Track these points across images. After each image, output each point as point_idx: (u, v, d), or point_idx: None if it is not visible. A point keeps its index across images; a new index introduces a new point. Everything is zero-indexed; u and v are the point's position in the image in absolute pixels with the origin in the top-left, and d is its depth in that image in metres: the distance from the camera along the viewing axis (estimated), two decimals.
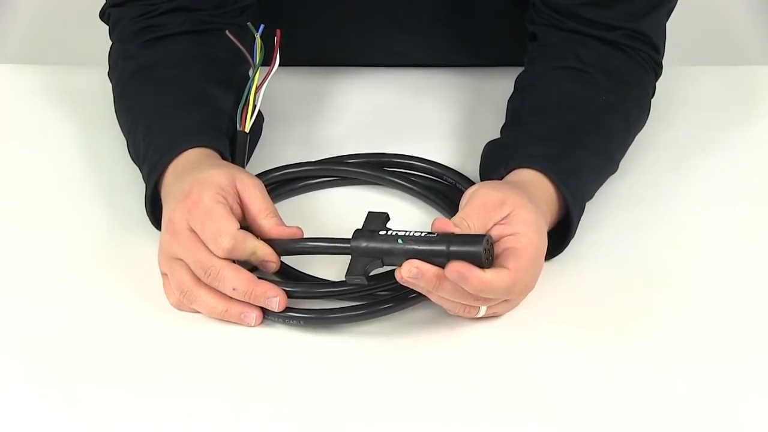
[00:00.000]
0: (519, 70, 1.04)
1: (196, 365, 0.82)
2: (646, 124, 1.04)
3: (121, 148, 1.01)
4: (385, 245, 0.79)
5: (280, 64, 0.96)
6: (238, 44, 0.94)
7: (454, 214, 0.84)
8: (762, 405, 0.79)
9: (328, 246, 0.84)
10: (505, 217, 0.83)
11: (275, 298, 0.83)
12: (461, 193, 0.88)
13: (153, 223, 0.92)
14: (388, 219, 0.82)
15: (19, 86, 1.12)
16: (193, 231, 0.84)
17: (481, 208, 0.83)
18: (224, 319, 0.85)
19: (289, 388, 0.81)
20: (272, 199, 0.89)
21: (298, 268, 0.88)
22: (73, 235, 0.94)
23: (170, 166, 0.90)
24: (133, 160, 0.97)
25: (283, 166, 0.98)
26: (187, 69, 0.98)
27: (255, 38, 0.94)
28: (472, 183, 0.94)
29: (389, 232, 0.80)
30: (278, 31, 0.94)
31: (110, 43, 1.04)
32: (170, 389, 0.80)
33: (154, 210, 0.91)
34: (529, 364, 0.82)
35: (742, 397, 0.80)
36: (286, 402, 0.79)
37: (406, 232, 0.80)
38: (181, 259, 0.85)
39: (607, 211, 0.97)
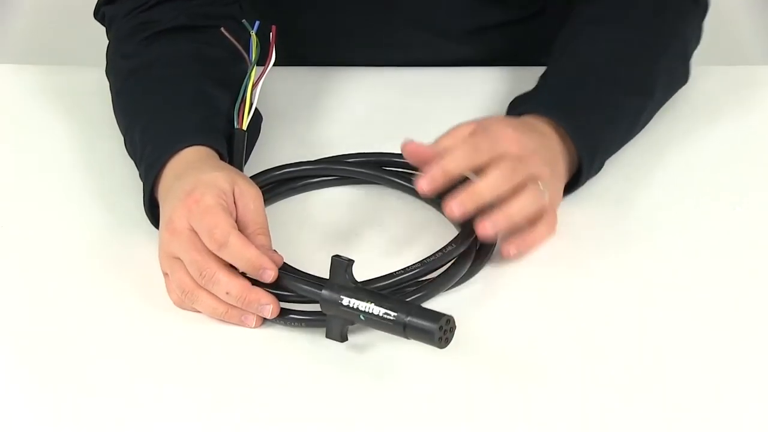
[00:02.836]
0: (524, 69, 1.04)
1: (197, 365, 0.82)
2: (646, 124, 1.04)
3: (120, 148, 1.01)
4: (348, 317, 0.81)
5: (278, 63, 0.96)
6: (234, 41, 0.94)
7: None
8: (762, 405, 0.79)
9: (303, 288, 0.83)
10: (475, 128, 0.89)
11: (268, 306, 0.82)
12: None
13: (151, 221, 0.92)
14: (352, 263, 0.81)
15: (19, 86, 1.12)
16: (193, 230, 0.84)
17: (455, 131, 0.90)
18: (224, 319, 0.84)
19: (289, 388, 0.80)
20: (271, 198, 0.89)
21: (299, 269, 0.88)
22: (73, 234, 0.94)
23: (169, 164, 0.90)
24: (130, 157, 0.97)
25: (282, 166, 0.97)
26: (184, 68, 0.99)
27: (250, 35, 0.94)
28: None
29: (350, 303, 0.80)
30: (273, 27, 0.94)
31: (108, 42, 1.04)
32: (171, 389, 0.80)
33: (152, 208, 0.91)
34: (529, 363, 0.82)
35: (742, 397, 0.80)
36: (286, 402, 0.79)
37: (370, 287, 0.81)
38: (180, 259, 0.85)
39: (606, 210, 0.97)
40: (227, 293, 0.82)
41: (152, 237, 0.92)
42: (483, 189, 0.85)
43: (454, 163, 0.86)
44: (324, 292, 0.81)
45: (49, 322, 0.86)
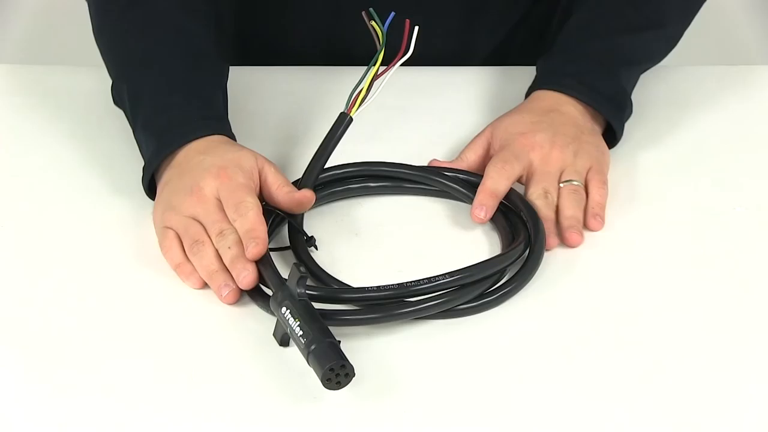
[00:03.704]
0: (524, 69, 1.04)
1: (201, 363, 0.82)
2: (646, 124, 1.04)
3: (121, 148, 1.01)
4: (284, 329, 0.82)
5: (267, 60, 0.94)
6: None
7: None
8: (762, 405, 0.79)
9: (268, 277, 0.86)
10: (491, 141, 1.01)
11: (250, 274, 0.87)
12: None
13: (146, 187, 0.96)
14: (306, 278, 0.82)
15: (19, 86, 1.12)
16: (219, 200, 0.91)
17: (473, 145, 1.02)
18: (208, 282, 0.88)
19: (289, 388, 0.80)
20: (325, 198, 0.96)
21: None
22: (73, 234, 0.94)
23: (190, 145, 0.95)
24: (116, 102, 1.01)
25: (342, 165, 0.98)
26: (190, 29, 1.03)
27: (375, 24, 0.93)
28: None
29: (285, 314, 0.81)
30: (407, 21, 0.92)
31: None
32: (170, 388, 0.80)
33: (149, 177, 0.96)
34: (529, 364, 0.82)
35: (742, 397, 0.80)
36: (286, 402, 0.79)
37: (304, 306, 0.81)
38: (197, 220, 0.90)
39: (606, 210, 0.97)
40: (229, 247, 0.88)
41: (153, 235, 0.92)
42: (548, 215, 0.95)
43: (495, 183, 0.96)
44: (276, 292, 0.83)
45: (49, 322, 0.86)
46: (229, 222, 0.90)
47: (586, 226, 0.96)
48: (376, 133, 1.04)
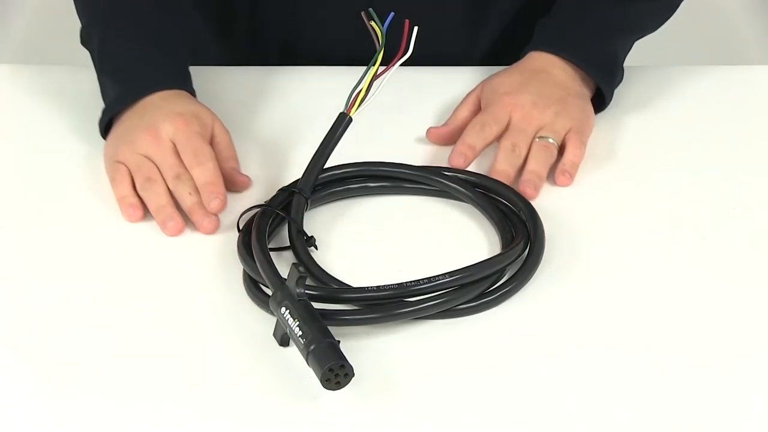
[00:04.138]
0: None
1: (201, 363, 0.82)
2: (644, 124, 1.04)
3: None
4: (283, 326, 0.81)
5: (281, 63, 0.95)
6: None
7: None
8: (762, 405, 0.79)
9: (266, 274, 0.85)
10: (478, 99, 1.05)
11: (207, 219, 0.92)
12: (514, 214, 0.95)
13: (103, 128, 1.01)
14: (305, 278, 0.82)
15: (19, 86, 1.12)
16: (174, 145, 0.95)
17: (465, 101, 1.06)
18: (155, 214, 0.93)
19: (289, 388, 0.81)
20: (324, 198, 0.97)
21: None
22: (73, 234, 0.94)
23: (154, 94, 1.00)
24: (83, 40, 1.05)
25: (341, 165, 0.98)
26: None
27: (374, 24, 0.92)
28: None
29: (284, 314, 0.81)
30: (407, 21, 0.92)
31: None
32: (173, 388, 0.80)
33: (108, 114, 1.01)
34: (528, 363, 0.82)
35: (742, 398, 0.80)
36: (286, 402, 0.80)
37: (302, 307, 0.81)
38: (151, 160, 0.95)
39: (606, 210, 0.97)
40: (189, 193, 0.93)
41: (153, 237, 0.92)
42: (506, 169, 0.98)
43: (472, 139, 1.00)
44: (275, 292, 0.82)
45: (49, 322, 0.86)
46: (185, 168, 0.94)
47: (554, 181, 0.99)
48: (376, 133, 1.04)
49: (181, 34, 1.06)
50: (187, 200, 0.93)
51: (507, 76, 1.06)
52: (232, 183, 0.97)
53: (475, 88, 1.06)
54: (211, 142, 0.98)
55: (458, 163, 0.99)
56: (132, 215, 0.94)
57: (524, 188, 0.97)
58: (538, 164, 0.99)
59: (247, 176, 0.98)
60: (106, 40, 1.04)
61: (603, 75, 1.06)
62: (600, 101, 1.07)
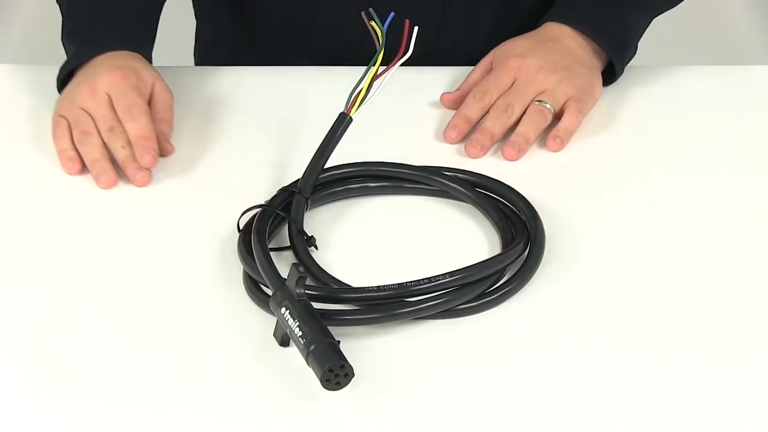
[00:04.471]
0: None
1: (201, 363, 0.82)
2: (645, 124, 1.04)
3: None
4: (283, 326, 0.81)
5: (281, 63, 0.95)
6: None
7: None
8: (762, 405, 0.79)
9: (266, 273, 0.85)
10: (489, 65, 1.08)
11: (141, 173, 0.95)
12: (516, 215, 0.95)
13: (58, 82, 1.04)
14: (305, 278, 0.82)
15: (19, 86, 1.12)
16: (110, 98, 0.98)
17: (479, 65, 1.09)
18: (90, 167, 0.97)
19: (289, 388, 0.81)
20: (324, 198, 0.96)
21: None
22: (73, 234, 0.94)
23: (108, 53, 1.02)
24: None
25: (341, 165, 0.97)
26: None
27: (374, 24, 0.92)
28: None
29: (284, 314, 0.80)
30: (407, 21, 0.92)
31: None
32: (173, 388, 0.80)
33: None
34: (529, 363, 0.82)
35: (742, 398, 0.80)
36: (286, 402, 0.79)
37: (302, 307, 0.81)
38: (88, 113, 0.97)
39: (606, 210, 0.97)
40: (122, 147, 0.96)
41: (153, 237, 0.92)
42: (491, 127, 1.01)
43: (469, 110, 1.03)
44: (275, 292, 0.82)
45: (49, 322, 0.86)
46: (119, 120, 0.97)
47: (545, 144, 1.01)
48: (376, 133, 1.04)
49: (146, 3, 1.09)
50: (120, 153, 0.96)
51: (519, 42, 1.08)
52: (157, 145, 0.98)
53: (489, 54, 1.09)
54: (151, 102, 1.00)
55: (451, 137, 1.02)
56: (71, 168, 0.97)
57: (507, 149, 0.99)
58: (527, 128, 1.01)
59: (172, 145, 1.00)
60: (71, 3, 1.07)
61: (614, 47, 1.07)
62: (611, 75, 1.08)
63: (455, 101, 1.07)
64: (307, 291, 0.82)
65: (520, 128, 1.01)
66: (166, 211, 0.97)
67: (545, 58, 1.05)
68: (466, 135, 1.03)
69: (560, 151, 1.01)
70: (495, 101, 1.03)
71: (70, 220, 0.96)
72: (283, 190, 0.94)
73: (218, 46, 1.27)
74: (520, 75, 1.03)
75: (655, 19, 1.14)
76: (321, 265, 0.89)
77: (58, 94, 1.05)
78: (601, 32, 1.07)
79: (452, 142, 1.01)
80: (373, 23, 0.93)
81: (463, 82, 1.08)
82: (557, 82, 1.03)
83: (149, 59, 1.05)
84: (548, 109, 1.01)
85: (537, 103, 1.02)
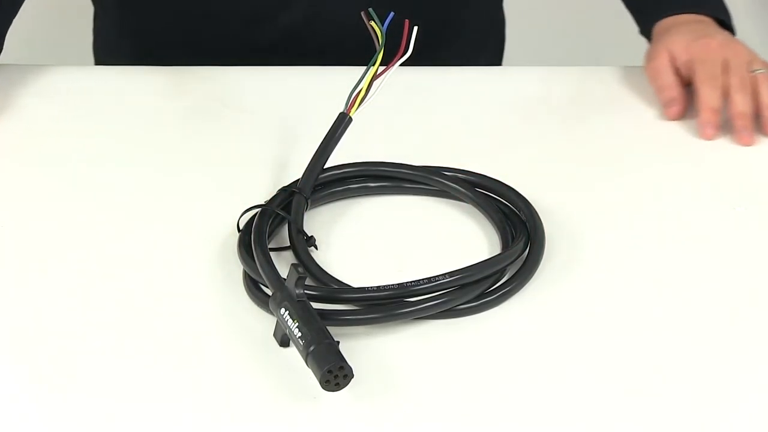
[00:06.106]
0: (526, 69, 1.04)
1: (201, 363, 0.82)
2: (645, 124, 1.04)
3: (121, 148, 1.01)
4: (283, 327, 0.81)
5: (281, 63, 0.95)
6: None
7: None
8: (762, 405, 0.79)
9: (266, 273, 0.85)
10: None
11: None
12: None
13: None
14: (304, 278, 0.81)
15: (19, 86, 1.12)
16: None
17: (663, 73, 1.09)
18: None
19: (288, 388, 0.81)
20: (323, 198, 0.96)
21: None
22: (72, 234, 0.94)
23: None
24: None
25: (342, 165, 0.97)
26: None
27: (374, 24, 0.92)
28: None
29: (284, 315, 0.80)
30: (407, 21, 0.92)
31: None
32: (172, 388, 0.80)
33: None
34: (529, 364, 0.82)
35: (742, 400, 0.80)
36: (285, 402, 0.80)
37: (300, 309, 0.80)
38: None
39: (606, 210, 0.97)
40: None
41: (154, 237, 0.92)
42: (745, 110, 1.04)
43: (713, 100, 1.04)
44: (275, 292, 0.82)
45: (49, 322, 0.86)
46: None
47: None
48: (376, 133, 1.04)
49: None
50: None
51: (677, 35, 1.09)
52: None
53: (658, 56, 1.09)
54: None
55: (708, 134, 1.04)
56: None
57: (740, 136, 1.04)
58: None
59: None
60: None
61: (721, 11, 1.13)
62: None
63: (681, 111, 1.08)
64: (306, 291, 0.82)
65: (764, 99, 1.04)
66: (165, 210, 0.97)
67: (711, 35, 1.08)
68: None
69: None
70: (729, 83, 1.05)
71: (70, 220, 0.96)
72: (283, 190, 0.94)
73: (214, 46, 1.27)
74: (726, 53, 1.06)
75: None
76: (321, 265, 0.89)
77: (58, 94, 1.04)
78: (708, 6, 1.12)
79: (711, 138, 1.04)
80: (372, 23, 0.93)
81: (661, 86, 1.08)
82: (746, 49, 1.07)
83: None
84: (766, 74, 1.05)
85: (757, 71, 1.05)
